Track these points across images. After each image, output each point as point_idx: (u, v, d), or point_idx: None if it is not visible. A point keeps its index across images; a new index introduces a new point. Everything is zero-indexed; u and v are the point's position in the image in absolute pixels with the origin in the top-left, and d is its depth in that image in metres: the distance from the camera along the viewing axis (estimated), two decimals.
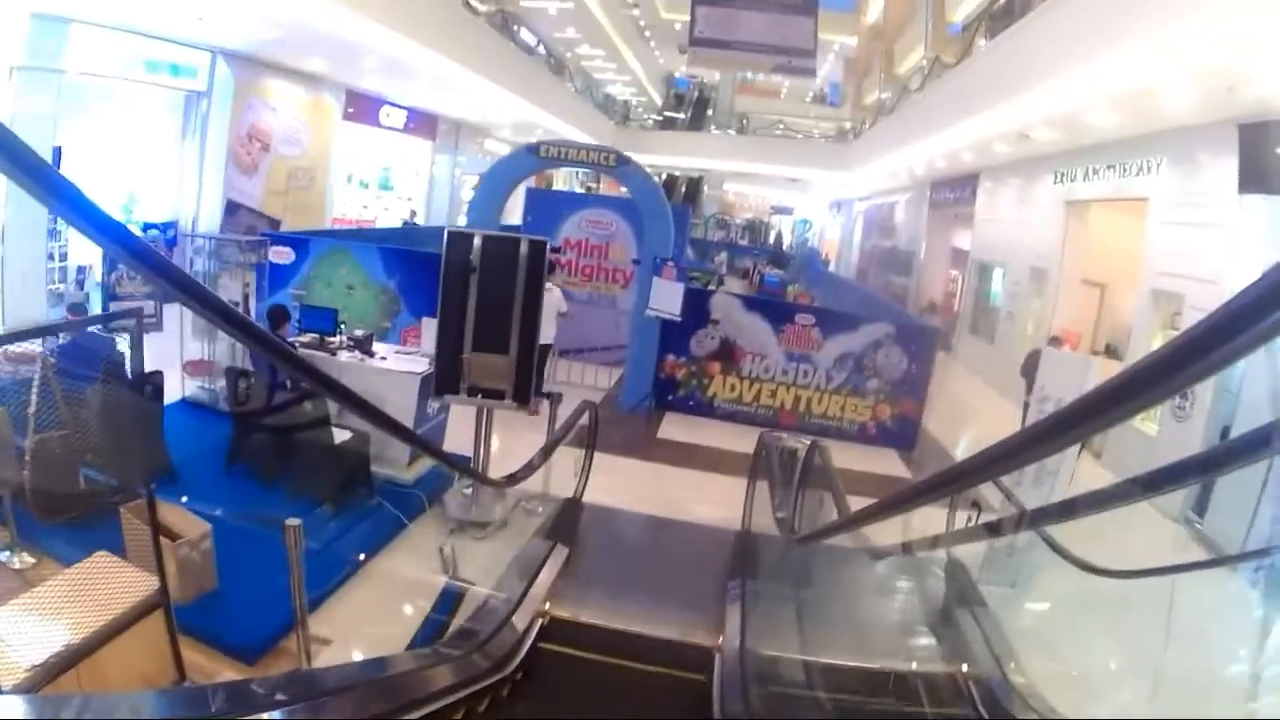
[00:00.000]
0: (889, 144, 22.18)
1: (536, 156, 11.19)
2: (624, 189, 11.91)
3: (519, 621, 5.01)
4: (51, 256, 12.43)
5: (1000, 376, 14.72)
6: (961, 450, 11.53)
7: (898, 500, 2.85)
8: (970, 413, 14.17)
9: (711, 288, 15.06)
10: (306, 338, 8.30)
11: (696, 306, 10.98)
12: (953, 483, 2.25)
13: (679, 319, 10.53)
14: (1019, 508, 5.99)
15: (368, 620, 5.39)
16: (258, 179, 16.66)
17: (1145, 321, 11.11)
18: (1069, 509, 3.65)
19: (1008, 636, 5.21)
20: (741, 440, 9.70)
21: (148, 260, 1.85)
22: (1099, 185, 13.28)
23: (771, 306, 12.02)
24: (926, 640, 5.58)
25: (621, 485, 8.41)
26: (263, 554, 4.31)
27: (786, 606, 5.86)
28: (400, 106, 22.45)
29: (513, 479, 6.53)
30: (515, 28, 25.74)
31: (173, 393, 9.12)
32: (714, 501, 8.21)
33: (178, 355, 9.14)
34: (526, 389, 6.65)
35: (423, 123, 24.12)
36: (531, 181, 14.18)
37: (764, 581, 6.05)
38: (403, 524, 6.69)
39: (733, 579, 6.03)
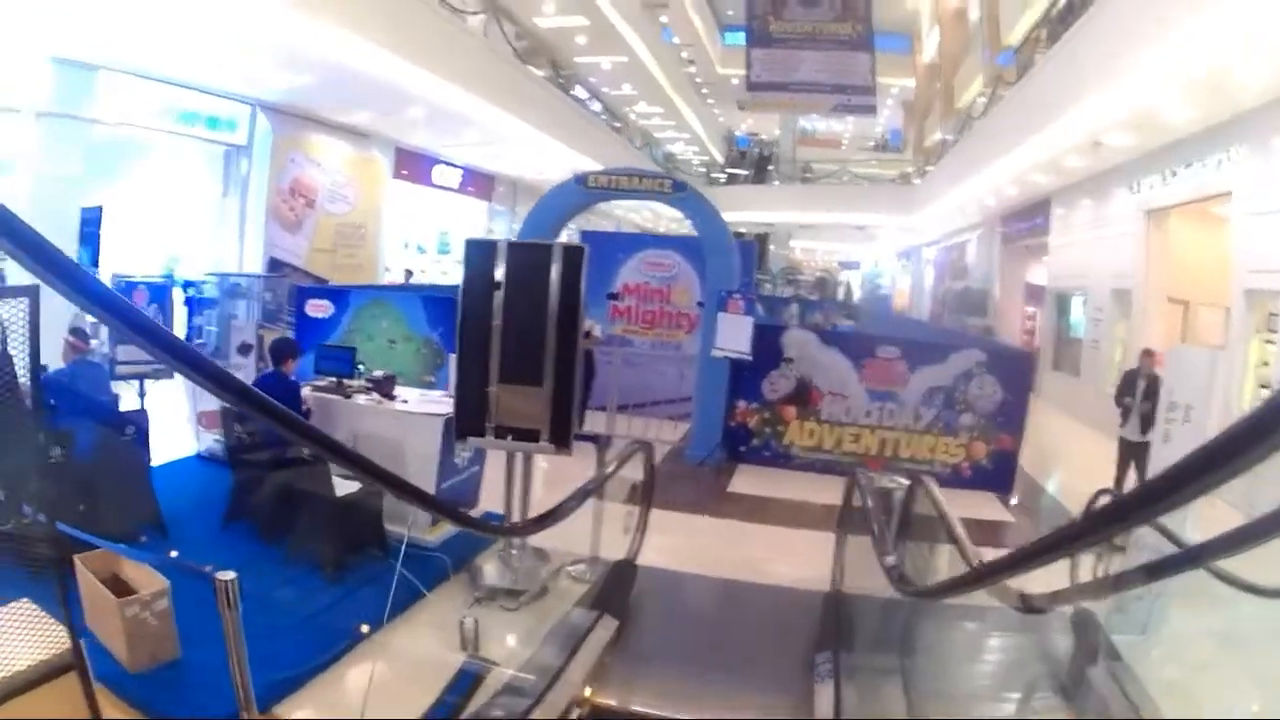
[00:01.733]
0: (956, 177, 21.54)
1: (585, 188, 10.23)
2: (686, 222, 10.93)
3: (549, 710, 4.00)
4: None
5: (1089, 411, 13.66)
6: (1057, 490, 10.31)
7: (1058, 541, 2.02)
8: (1063, 451, 12.75)
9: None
10: (324, 381, 7.36)
11: (768, 344, 9.80)
12: (1125, 518, 1.73)
13: (749, 358, 9.37)
14: (1178, 544, 4.71)
15: (362, 703, 4.31)
16: (302, 236, 16.08)
17: (1240, 326, 10.28)
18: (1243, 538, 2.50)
19: (1150, 693, 4.42)
20: (823, 491, 8.51)
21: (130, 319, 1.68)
22: (1178, 187, 12.52)
23: (851, 340, 10.82)
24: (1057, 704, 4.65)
25: (686, 545, 7.20)
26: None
27: (890, 680, 4.65)
28: (454, 165, 21.95)
29: (542, 520, 5.31)
30: (568, 83, 25.33)
31: (185, 447, 8.56)
32: (795, 560, 6.94)
33: (190, 406, 8.54)
34: (566, 428, 5.51)
35: (478, 182, 23.61)
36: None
37: (862, 651, 4.97)
38: (420, 592, 5.55)
39: (821, 650, 4.90)
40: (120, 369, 8.40)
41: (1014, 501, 9.40)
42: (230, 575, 2.92)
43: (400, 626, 5.22)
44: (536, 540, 6.34)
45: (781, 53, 23.26)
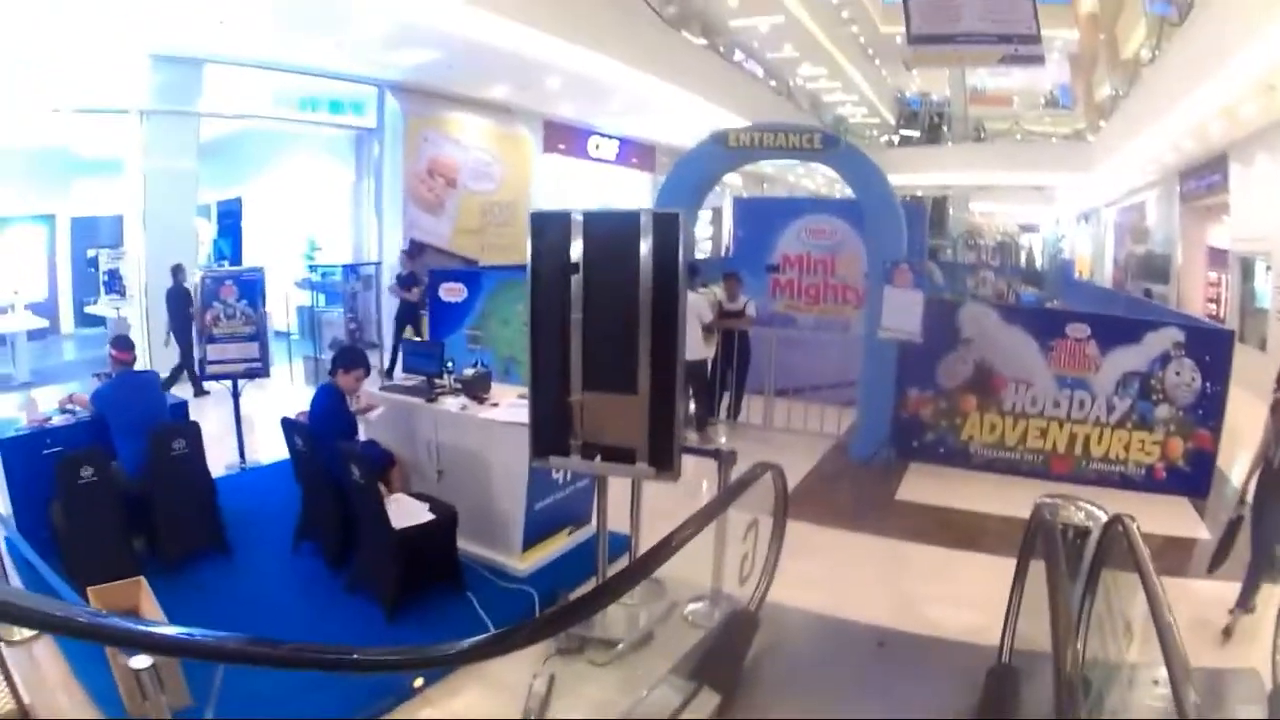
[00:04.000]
0: (1129, 132, 19.65)
1: (725, 148, 8.94)
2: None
3: None
4: None
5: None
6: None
7: None
8: (1253, 439, 10.28)
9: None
10: (413, 380, 6.51)
11: (942, 323, 8.28)
12: None
13: (920, 339, 7.91)
14: None
15: None
16: (445, 217, 15.49)
17: None
18: None
19: None
20: (1006, 498, 7.06)
21: None
22: None
23: (1036, 317, 9.16)
24: None
25: (836, 575, 5.90)
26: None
27: None
28: (610, 136, 21.07)
29: (623, 580, 3.71)
30: (726, 48, 24.01)
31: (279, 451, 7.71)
32: (972, 597, 5.49)
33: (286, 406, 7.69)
34: (669, 446, 4.34)
35: (639, 153, 22.63)
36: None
37: None
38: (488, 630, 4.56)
39: None
40: (211, 368, 7.88)
41: (1210, 505, 7.65)
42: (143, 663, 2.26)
43: (460, 681, 4.26)
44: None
45: (940, 2, 21.52)
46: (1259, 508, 5.10)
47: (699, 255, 20.82)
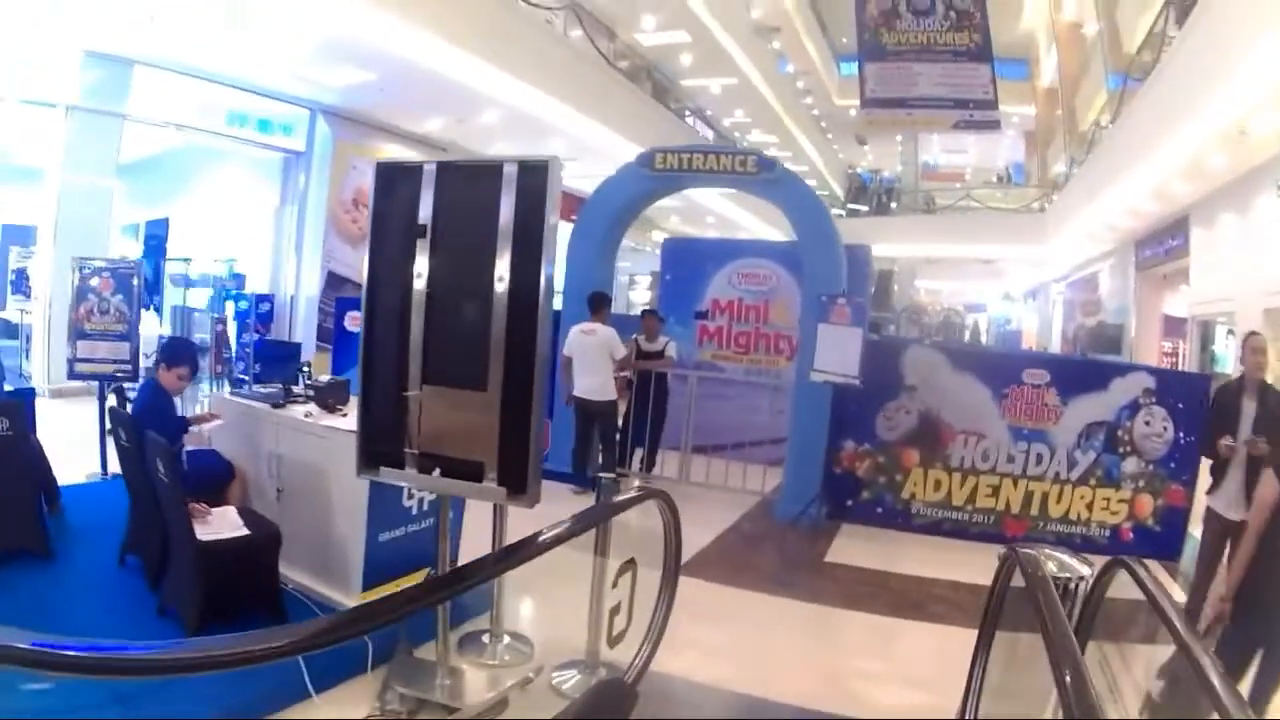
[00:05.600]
0: (1088, 193, 19.29)
1: (651, 171, 8.20)
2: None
3: None
4: None
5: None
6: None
7: None
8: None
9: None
10: (271, 388, 5.56)
11: (884, 366, 7.45)
12: None
13: (858, 383, 7.07)
14: None
15: None
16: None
17: None
18: None
19: None
20: (954, 562, 6.35)
21: None
22: None
23: (989, 362, 8.34)
24: None
25: (753, 645, 4.92)
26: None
27: None
28: None
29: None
30: (676, 106, 23.60)
31: None
32: (916, 673, 4.63)
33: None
34: (523, 461, 3.38)
35: (567, 203, 21.95)
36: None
37: None
38: (304, 688, 3.55)
39: None
40: (79, 367, 7.13)
41: (1185, 574, 6.71)
42: None
43: None
44: (527, 625, 4.29)
45: (896, 66, 21.74)
46: None
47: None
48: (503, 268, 3.32)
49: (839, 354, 7.00)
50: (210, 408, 5.32)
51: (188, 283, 11.84)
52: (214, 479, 4.96)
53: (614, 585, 3.71)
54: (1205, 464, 6.22)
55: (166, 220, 14.90)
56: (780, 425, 8.75)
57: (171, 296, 11.92)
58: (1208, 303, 15.15)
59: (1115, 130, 17.38)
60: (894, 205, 34.62)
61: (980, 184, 34.35)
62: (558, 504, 3.69)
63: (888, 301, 32.37)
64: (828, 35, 29.99)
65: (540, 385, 3.29)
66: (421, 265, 3.48)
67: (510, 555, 2.70)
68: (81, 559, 5.00)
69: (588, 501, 3.91)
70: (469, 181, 3.49)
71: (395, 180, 3.61)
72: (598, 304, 7.85)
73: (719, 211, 23.16)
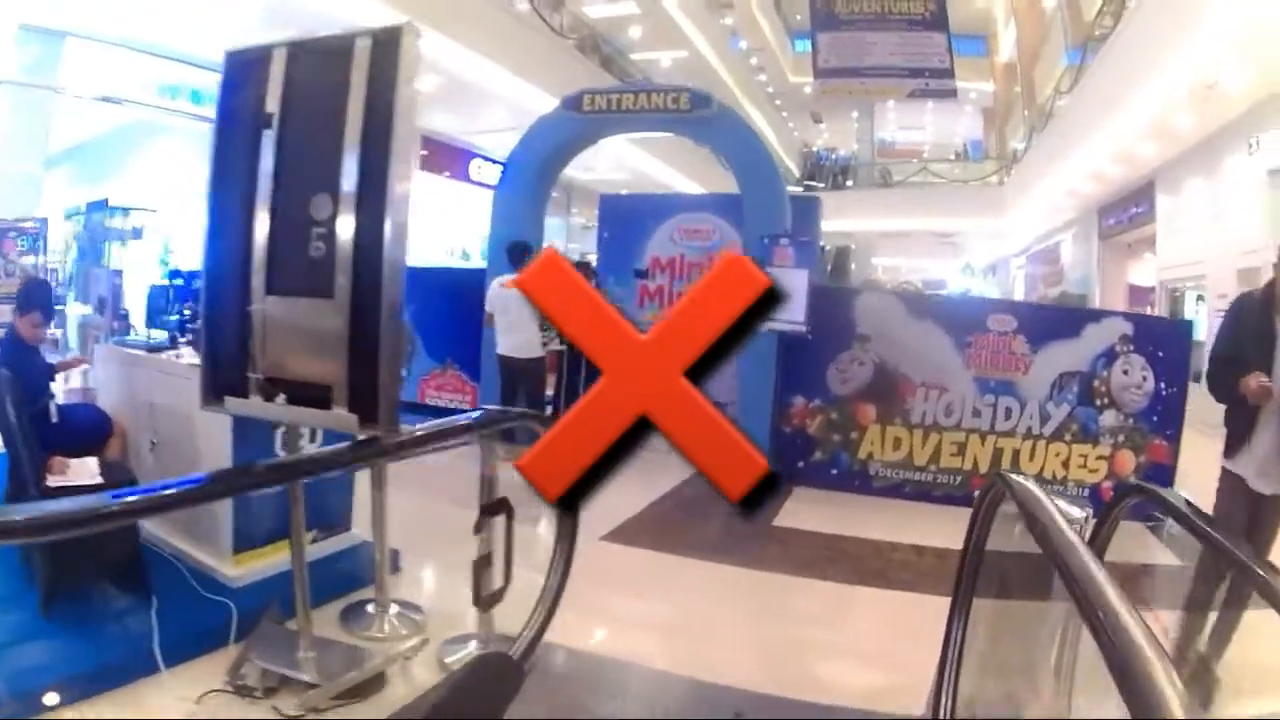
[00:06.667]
0: (1051, 157, 19.17)
1: (579, 113, 7.62)
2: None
3: None
4: None
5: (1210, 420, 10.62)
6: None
7: None
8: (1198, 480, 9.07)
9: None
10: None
11: (836, 315, 6.92)
12: None
13: (805, 331, 6.53)
14: None
15: None
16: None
17: None
18: None
19: None
20: (917, 526, 5.80)
21: None
22: None
23: (951, 309, 7.80)
24: None
25: (684, 615, 4.35)
26: None
27: None
28: (495, 161, 19.83)
29: None
30: (623, 78, 23.04)
31: None
32: (877, 648, 4.05)
33: None
34: (372, 383, 2.75)
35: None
36: None
37: None
38: (152, 660, 3.08)
39: None
40: None
41: (1172, 531, 6.20)
42: None
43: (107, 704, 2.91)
44: (424, 594, 3.72)
45: (850, 35, 21.57)
46: None
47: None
48: (350, 157, 2.73)
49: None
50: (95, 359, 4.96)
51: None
52: (90, 433, 4.43)
53: (476, 531, 3.08)
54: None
55: (105, 201, 14.39)
56: (726, 388, 8.20)
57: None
58: (1177, 267, 14.94)
59: (1076, 95, 17.27)
60: (850, 183, 34.40)
61: (937, 164, 34.26)
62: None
63: (845, 278, 32.11)
64: (781, 12, 29.69)
65: (394, 291, 2.70)
66: (267, 163, 2.88)
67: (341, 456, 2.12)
68: None
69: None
70: (321, 63, 2.91)
71: (243, 69, 3.04)
72: (519, 254, 7.21)
73: (676, 188, 22.59)
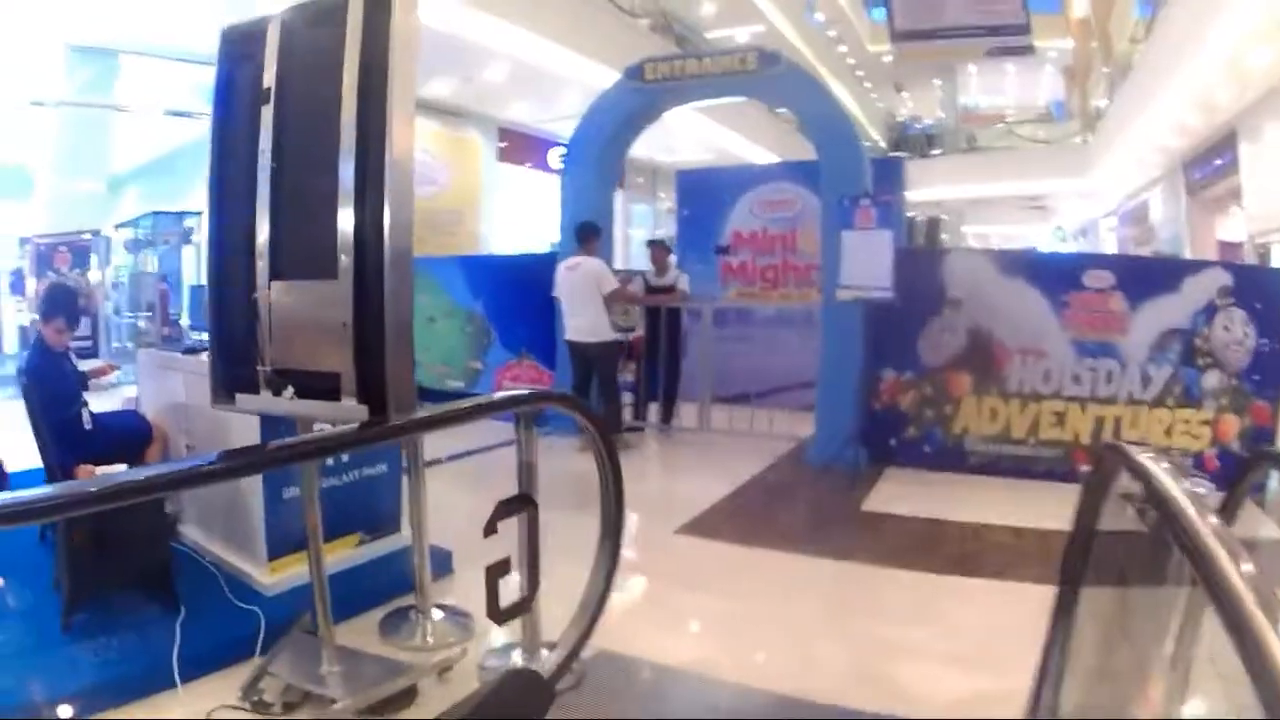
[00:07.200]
0: (1129, 118, 18.65)
1: (642, 83, 7.32)
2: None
3: None
4: None
5: None
6: None
7: None
8: None
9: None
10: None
11: (922, 280, 6.44)
12: None
13: (892, 297, 6.10)
14: None
15: None
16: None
17: None
18: None
19: None
20: (1019, 507, 5.37)
21: None
22: None
23: (1043, 265, 7.20)
24: None
25: (768, 616, 3.96)
26: None
27: None
28: None
29: None
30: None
31: None
32: (970, 646, 3.61)
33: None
34: (380, 371, 2.48)
35: None
36: None
37: None
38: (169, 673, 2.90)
39: None
40: None
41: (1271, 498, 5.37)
42: None
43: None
44: (478, 599, 3.49)
45: None
46: None
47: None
48: (347, 123, 2.48)
49: (867, 265, 6.03)
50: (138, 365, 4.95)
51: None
52: (132, 441, 4.36)
53: (486, 534, 2.70)
54: None
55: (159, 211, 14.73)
56: (810, 366, 7.78)
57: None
58: (1263, 221, 14.15)
59: (1151, 43, 16.78)
60: (937, 151, 33.79)
61: (1021, 127, 33.20)
62: (560, 458, 2.88)
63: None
64: None
65: (403, 269, 2.45)
66: (266, 140, 2.66)
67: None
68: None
69: (591, 457, 2.95)
70: (314, 30, 2.67)
71: (239, 44, 2.85)
72: (586, 235, 6.96)
73: (735, 152, 22.14)
